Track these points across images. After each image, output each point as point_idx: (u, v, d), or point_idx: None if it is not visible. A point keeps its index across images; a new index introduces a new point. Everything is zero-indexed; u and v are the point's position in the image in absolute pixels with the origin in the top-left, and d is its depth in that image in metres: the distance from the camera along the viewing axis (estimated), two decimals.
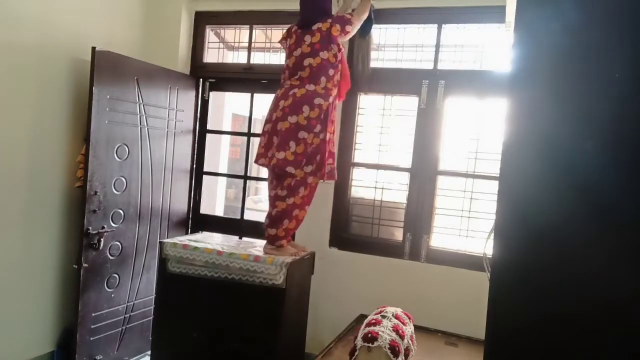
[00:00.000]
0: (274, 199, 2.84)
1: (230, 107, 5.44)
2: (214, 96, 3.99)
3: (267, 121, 2.85)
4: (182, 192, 3.79)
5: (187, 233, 3.78)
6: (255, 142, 4.08)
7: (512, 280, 1.17)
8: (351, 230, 3.50)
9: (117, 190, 3.19)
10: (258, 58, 3.82)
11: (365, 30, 3.07)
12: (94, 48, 2.96)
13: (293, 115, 2.72)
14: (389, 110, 3.41)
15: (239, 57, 4.07)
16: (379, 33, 3.53)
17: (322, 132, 2.77)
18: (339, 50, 2.83)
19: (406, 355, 2.09)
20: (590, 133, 1.10)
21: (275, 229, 2.83)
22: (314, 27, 2.79)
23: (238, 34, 3.95)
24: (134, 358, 3.47)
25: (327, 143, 2.79)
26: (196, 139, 3.89)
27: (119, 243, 3.26)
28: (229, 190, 7.45)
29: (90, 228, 3.04)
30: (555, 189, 1.12)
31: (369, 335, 2.00)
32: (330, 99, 2.80)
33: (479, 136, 3.17)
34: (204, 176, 3.95)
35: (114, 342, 3.31)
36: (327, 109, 2.78)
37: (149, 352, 3.23)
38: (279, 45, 3.73)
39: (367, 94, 3.47)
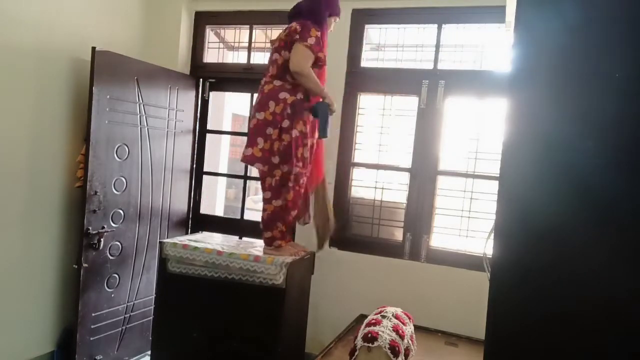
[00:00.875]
0: (263, 202, 2.81)
1: (230, 107, 5.45)
2: (214, 96, 3.99)
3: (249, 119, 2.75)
4: (182, 192, 3.79)
5: (187, 233, 3.78)
6: None
7: (512, 280, 1.17)
8: (351, 230, 3.50)
9: (117, 190, 3.19)
10: (258, 58, 3.81)
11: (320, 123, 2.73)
12: (94, 48, 2.96)
13: (260, 112, 2.68)
14: (389, 110, 3.41)
15: (239, 57, 4.07)
16: (379, 33, 3.53)
17: (292, 129, 2.65)
18: (317, 57, 2.64)
19: (406, 355, 2.09)
20: (590, 133, 1.10)
21: (270, 231, 2.81)
22: (292, 22, 2.71)
23: (238, 34, 3.95)
24: (134, 358, 3.47)
25: (297, 141, 2.66)
26: (196, 139, 3.89)
27: (119, 243, 3.26)
28: (229, 190, 7.44)
29: (90, 228, 3.04)
30: (555, 188, 1.12)
31: (369, 335, 2.00)
32: (299, 95, 2.67)
33: (479, 136, 3.17)
34: (204, 176, 3.95)
35: (114, 342, 3.31)
36: (294, 104, 2.65)
37: (149, 352, 3.22)
38: None
39: (367, 94, 3.47)
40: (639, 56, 1.06)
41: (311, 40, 2.62)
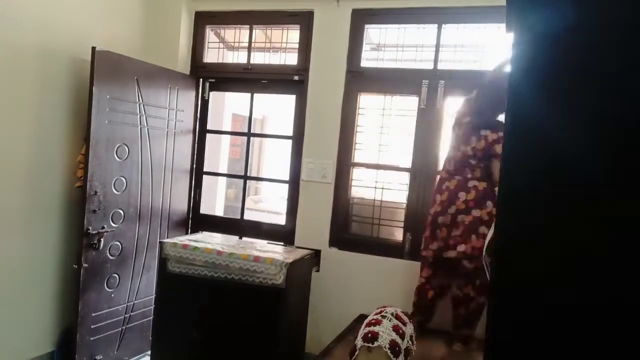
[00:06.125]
0: (468, 300, 2.68)
1: (230, 107, 5.43)
2: (214, 96, 3.99)
3: (442, 212, 2.73)
4: (182, 192, 3.79)
5: (187, 233, 3.78)
6: (256, 142, 4.09)
7: (512, 280, 1.17)
8: (351, 230, 3.50)
9: (117, 190, 3.19)
10: (258, 58, 3.81)
11: None
12: (94, 48, 2.96)
13: (477, 209, 2.66)
14: (389, 110, 3.41)
15: (239, 57, 4.07)
16: (379, 33, 3.53)
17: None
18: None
19: (406, 356, 2.09)
20: (591, 133, 1.10)
21: (473, 329, 2.73)
22: (482, 133, 2.70)
23: (238, 34, 3.95)
24: (134, 358, 3.47)
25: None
26: (196, 139, 3.88)
27: (119, 243, 3.26)
28: (229, 190, 7.43)
29: (90, 228, 3.04)
30: (556, 189, 1.12)
31: (369, 335, 2.00)
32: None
33: None
34: (204, 176, 3.95)
35: (114, 342, 3.31)
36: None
37: (149, 352, 3.23)
38: (278, 45, 3.76)
39: (367, 94, 3.47)
40: (639, 56, 1.06)
41: None
